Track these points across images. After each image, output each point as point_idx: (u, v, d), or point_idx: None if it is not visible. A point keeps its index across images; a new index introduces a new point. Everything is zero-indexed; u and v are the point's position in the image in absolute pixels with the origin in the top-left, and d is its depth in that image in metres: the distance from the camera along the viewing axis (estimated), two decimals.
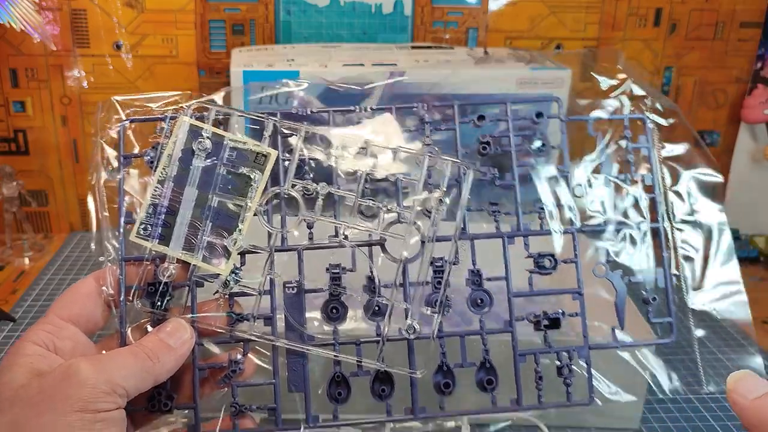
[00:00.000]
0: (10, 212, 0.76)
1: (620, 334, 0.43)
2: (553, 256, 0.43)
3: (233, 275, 0.41)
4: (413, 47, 0.76)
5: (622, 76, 0.47)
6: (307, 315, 0.42)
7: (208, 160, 0.42)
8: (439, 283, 0.41)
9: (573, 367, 0.43)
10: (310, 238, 0.42)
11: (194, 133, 0.42)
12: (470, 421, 0.51)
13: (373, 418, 0.43)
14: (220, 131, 0.43)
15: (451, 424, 0.52)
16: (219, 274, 0.41)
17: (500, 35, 0.81)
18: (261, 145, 0.42)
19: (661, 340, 0.44)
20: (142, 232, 0.40)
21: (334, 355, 0.41)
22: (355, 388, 0.42)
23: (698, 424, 0.54)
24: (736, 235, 0.83)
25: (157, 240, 0.40)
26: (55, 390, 0.33)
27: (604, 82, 0.47)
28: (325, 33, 0.79)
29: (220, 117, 0.44)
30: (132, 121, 0.45)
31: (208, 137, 0.42)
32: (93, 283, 0.41)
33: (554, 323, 0.43)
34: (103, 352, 0.40)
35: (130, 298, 0.41)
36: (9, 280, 0.73)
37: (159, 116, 0.46)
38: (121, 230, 0.42)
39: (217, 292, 0.41)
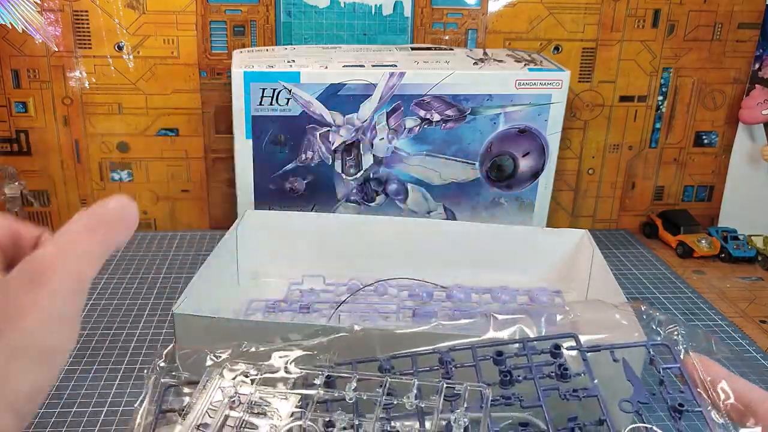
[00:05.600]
0: (12, 212, 0.77)
1: None
2: None
3: None
4: (413, 48, 0.77)
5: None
6: None
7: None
8: None
9: None
10: None
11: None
12: None
13: None
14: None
15: None
16: None
17: (499, 36, 0.81)
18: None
19: None
20: None
21: None
22: None
23: None
24: (734, 235, 0.83)
25: None
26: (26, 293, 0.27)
27: None
28: (325, 34, 0.79)
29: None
30: (170, 386, 0.44)
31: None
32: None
33: None
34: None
35: None
36: None
37: (196, 382, 0.43)
38: None
39: None
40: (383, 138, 0.71)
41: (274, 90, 0.67)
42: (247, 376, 0.42)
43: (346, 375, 0.42)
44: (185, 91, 0.80)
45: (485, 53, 0.76)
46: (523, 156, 0.73)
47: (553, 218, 0.85)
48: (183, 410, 0.41)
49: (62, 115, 0.79)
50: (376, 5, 0.78)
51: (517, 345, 0.44)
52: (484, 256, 0.68)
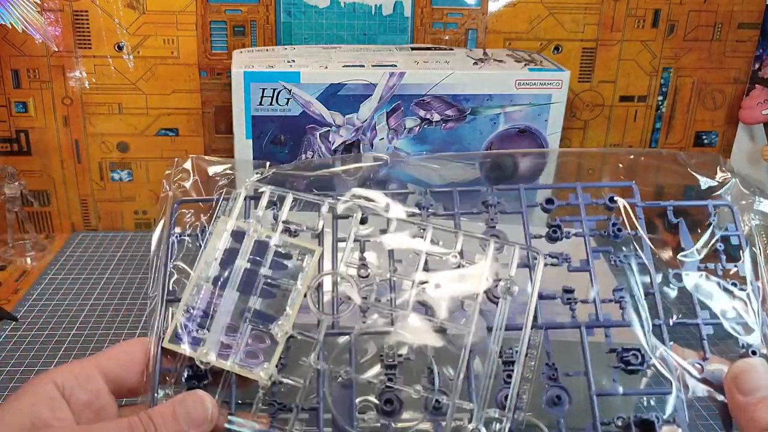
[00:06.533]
0: (12, 212, 0.77)
1: None
2: (639, 350, 0.38)
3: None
4: (413, 48, 0.77)
5: (723, 175, 0.43)
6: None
7: (251, 262, 0.40)
8: (509, 376, 0.37)
9: None
10: (364, 323, 0.39)
11: (237, 233, 0.41)
12: None
13: None
14: (267, 231, 0.41)
15: None
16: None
17: (499, 36, 0.81)
18: (305, 242, 0.40)
19: None
20: (175, 338, 0.39)
21: None
22: None
23: None
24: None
25: (190, 345, 0.39)
26: None
27: (704, 182, 0.43)
28: (325, 34, 0.79)
29: (275, 198, 0.42)
30: (182, 203, 0.44)
31: (254, 238, 0.40)
32: (140, 346, 0.39)
33: (647, 428, 0.36)
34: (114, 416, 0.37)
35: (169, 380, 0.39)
36: (11, 280, 0.73)
37: (210, 199, 0.44)
38: (162, 310, 0.40)
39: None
40: (383, 138, 0.71)
41: (274, 90, 0.67)
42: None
43: (382, 214, 0.40)
44: (185, 91, 0.80)
45: (485, 53, 0.76)
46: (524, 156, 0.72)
47: None
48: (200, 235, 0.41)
49: (62, 115, 0.79)
50: (376, 5, 0.78)
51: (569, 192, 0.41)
52: None
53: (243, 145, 0.70)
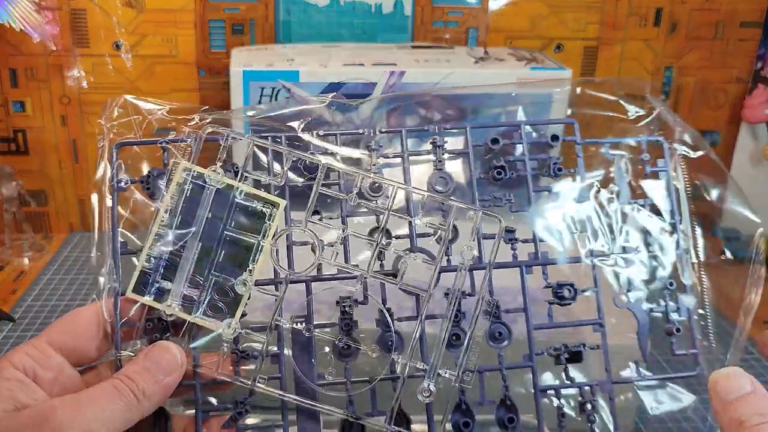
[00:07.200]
0: (10, 212, 0.76)
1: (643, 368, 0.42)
2: (572, 285, 0.42)
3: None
4: (413, 47, 0.76)
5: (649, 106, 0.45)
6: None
7: (212, 212, 0.39)
8: (456, 317, 0.39)
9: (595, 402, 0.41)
10: (319, 270, 0.40)
11: (198, 180, 0.39)
12: None
13: None
14: (229, 180, 0.39)
15: None
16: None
17: (500, 35, 0.81)
18: (270, 195, 0.40)
19: (687, 373, 0.42)
20: (139, 287, 0.39)
21: (348, 396, 0.39)
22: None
23: None
24: (735, 235, 0.83)
25: (154, 296, 0.39)
26: None
27: (632, 111, 0.45)
28: (324, 33, 0.78)
29: (228, 143, 0.40)
30: (122, 145, 0.42)
31: (215, 186, 0.39)
32: (93, 315, 0.39)
33: (576, 356, 0.41)
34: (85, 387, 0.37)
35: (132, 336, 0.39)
36: (8, 280, 0.72)
37: (155, 141, 0.42)
38: (117, 262, 0.39)
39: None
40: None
41: (273, 89, 0.67)
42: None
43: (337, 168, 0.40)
44: (184, 90, 0.79)
45: (486, 52, 0.75)
46: None
47: None
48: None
49: (60, 114, 0.79)
50: (376, 4, 0.78)
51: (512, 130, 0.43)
52: None
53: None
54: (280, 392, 0.39)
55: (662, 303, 0.42)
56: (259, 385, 0.38)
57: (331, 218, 0.41)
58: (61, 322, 0.38)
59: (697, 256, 0.44)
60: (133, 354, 0.38)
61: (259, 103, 0.67)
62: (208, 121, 0.42)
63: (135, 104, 0.43)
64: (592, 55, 0.82)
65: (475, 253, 0.40)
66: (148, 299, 0.39)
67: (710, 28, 0.83)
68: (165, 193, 0.39)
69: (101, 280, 0.40)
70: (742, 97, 0.85)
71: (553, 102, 0.70)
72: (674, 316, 0.42)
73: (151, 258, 0.39)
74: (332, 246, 0.40)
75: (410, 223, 0.41)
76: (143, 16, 0.76)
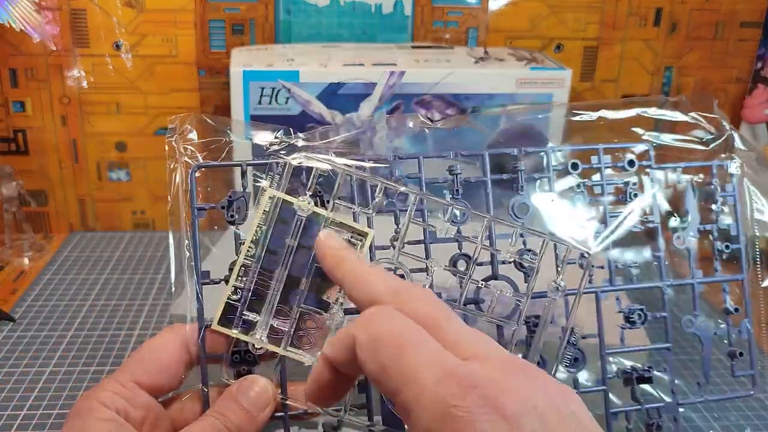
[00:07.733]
0: (10, 212, 0.76)
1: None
2: (642, 310, 0.43)
3: None
4: (413, 47, 0.76)
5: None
6: None
7: (299, 241, 0.38)
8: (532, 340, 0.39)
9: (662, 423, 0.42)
10: None
11: (285, 208, 0.38)
12: None
13: None
14: (319, 210, 0.38)
15: None
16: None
17: (500, 35, 0.81)
18: (360, 225, 0.39)
19: (744, 393, 0.44)
20: (225, 320, 0.38)
21: None
22: None
23: None
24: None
25: (240, 329, 0.38)
26: None
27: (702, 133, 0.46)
28: (324, 33, 0.78)
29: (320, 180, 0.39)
30: (200, 167, 0.39)
31: (304, 216, 0.38)
32: (175, 348, 0.38)
33: (646, 379, 0.42)
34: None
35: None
36: (9, 280, 0.72)
37: (236, 164, 0.40)
38: (198, 291, 0.38)
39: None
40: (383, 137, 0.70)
41: (273, 89, 0.67)
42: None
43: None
44: (184, 90, 0.79)
45: (486, 52, 0.75)
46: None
47: None
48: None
49: (60, 114, 0.79)
50: (376, 4, 0.78)
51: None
52: None
53: (241, 144, 0.69)
54: (369, 423, 0.38)
55: (722, 325, 0.44)
56: (348, 416, 0.38)
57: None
58: (143, 360, 0.37)
59: (758, 280, 0.45)
60: (223, 384, 0.38)
61: (259, 103, 0.67)
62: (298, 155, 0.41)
63: (207, 121, 0.42)
64: (592, 55, 0.82)
65: (564, 283, 0.39)
66: (236, 332, 0.38)
67: (710, 28, 0.83)
68: (251, 220, 0.38)
69: (180, 307, 0.38)
70: (742, 97, 0.85)
71: (552, 99, 0.70)
72: (734, 338, 0.44)
73: (238, 289, 0.38)
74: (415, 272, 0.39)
75: (492, 255, 0.41)
76: (143, 16, 0.76)
